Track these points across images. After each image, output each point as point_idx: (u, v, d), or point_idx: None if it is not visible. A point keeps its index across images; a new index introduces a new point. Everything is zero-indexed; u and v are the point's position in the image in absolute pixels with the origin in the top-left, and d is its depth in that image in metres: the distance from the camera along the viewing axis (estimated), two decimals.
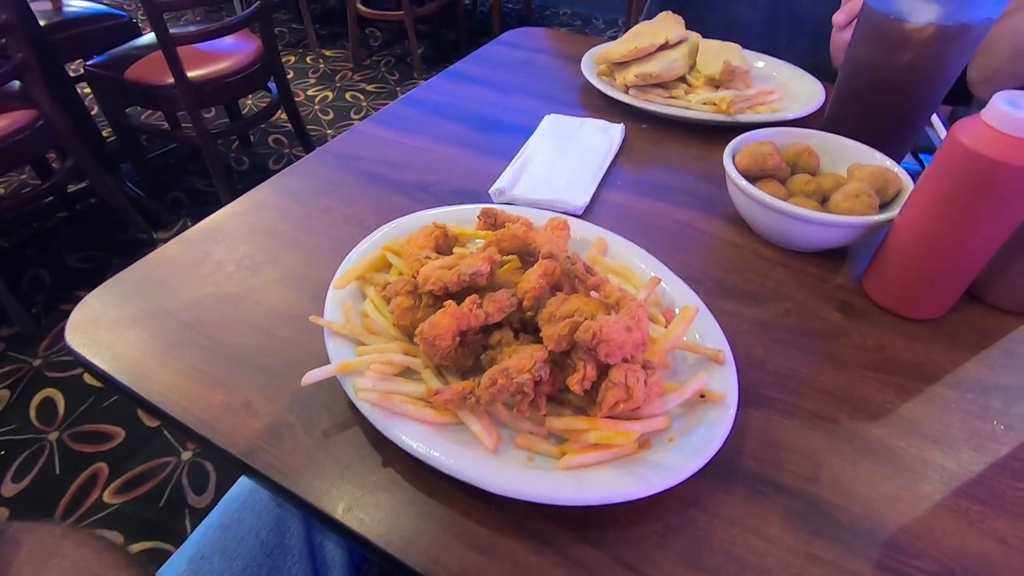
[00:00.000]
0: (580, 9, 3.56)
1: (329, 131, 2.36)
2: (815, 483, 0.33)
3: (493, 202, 0.54)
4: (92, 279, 1.55)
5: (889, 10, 0.48)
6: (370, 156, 0.61)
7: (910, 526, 0.31)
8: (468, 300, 0.35)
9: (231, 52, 1.65)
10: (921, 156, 0.61)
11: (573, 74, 0.74)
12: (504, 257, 0.41)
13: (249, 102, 2.51)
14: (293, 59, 2.92)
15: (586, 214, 0.53)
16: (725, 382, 0.35)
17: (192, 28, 1.46)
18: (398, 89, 2.67)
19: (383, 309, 0.39)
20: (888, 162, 0.49)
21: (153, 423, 1.18)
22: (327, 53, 2.98)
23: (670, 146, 0.63)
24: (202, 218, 0.51)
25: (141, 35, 1.74)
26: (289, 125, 2.05)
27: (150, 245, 1.66)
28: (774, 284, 0.46)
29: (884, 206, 0.47)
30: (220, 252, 0.48)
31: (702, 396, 0.34)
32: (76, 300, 0.42)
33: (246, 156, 2.18)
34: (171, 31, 1.39)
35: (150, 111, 2.29)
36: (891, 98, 0.52)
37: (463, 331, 0.35)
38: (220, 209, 0.52)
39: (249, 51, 1.67)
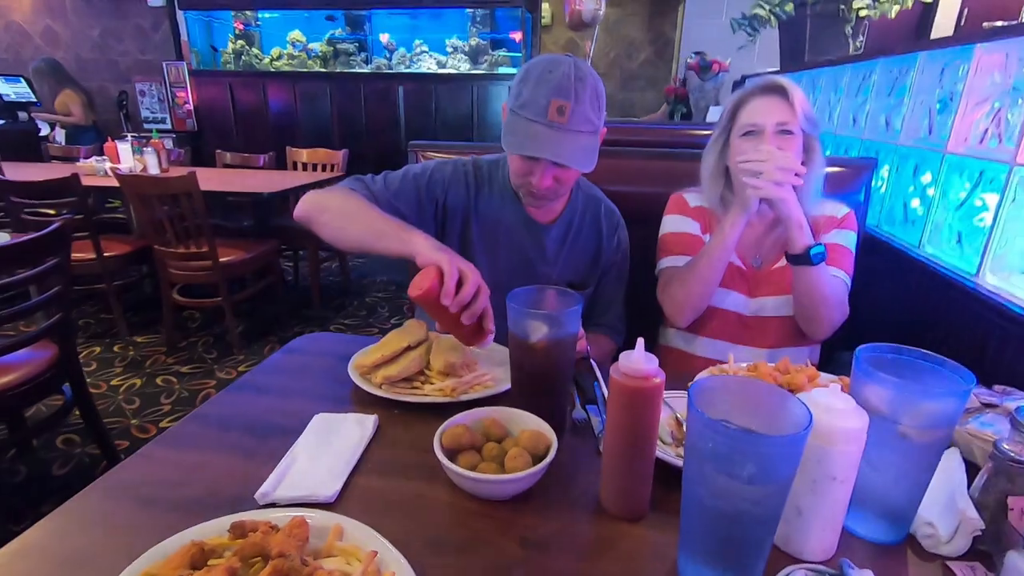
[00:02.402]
0: (395, 276, 4.13)
1: (133, 421, 2.26)
2: None
3: (259, 505, 0.65)
4: None
5: (520, 334, 0.77)
6: (147, 480, 0.70)
7: None
8: None
9: (19, 364, 1.63)
10: (588, 407, 0.88)
11: (344, 373, 0.94)
12: (251, 561, 0.53)
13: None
14: (98, 350, 2.86)
15: (338, 501, 0.67)
16: None
17: None
18: (216, 367, 2.72)
19: None
20: (543, 426, 0.73)
21: None
22: (138, 339, 2.97)
23: (415, 427, 0.83)
24: None
25: None
26: (83, 421, 1.95)
27: None
28: (475, 532, 0.63)
29: (541, 458, 0.69)
30: None
31: None
32: None
33: (22, 465, 1.96)
34: None
35: None
36: (536, 381, 0.79)
37: None
38: None
39: (42, 360, 1.67)
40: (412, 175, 1.16)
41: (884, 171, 1.51)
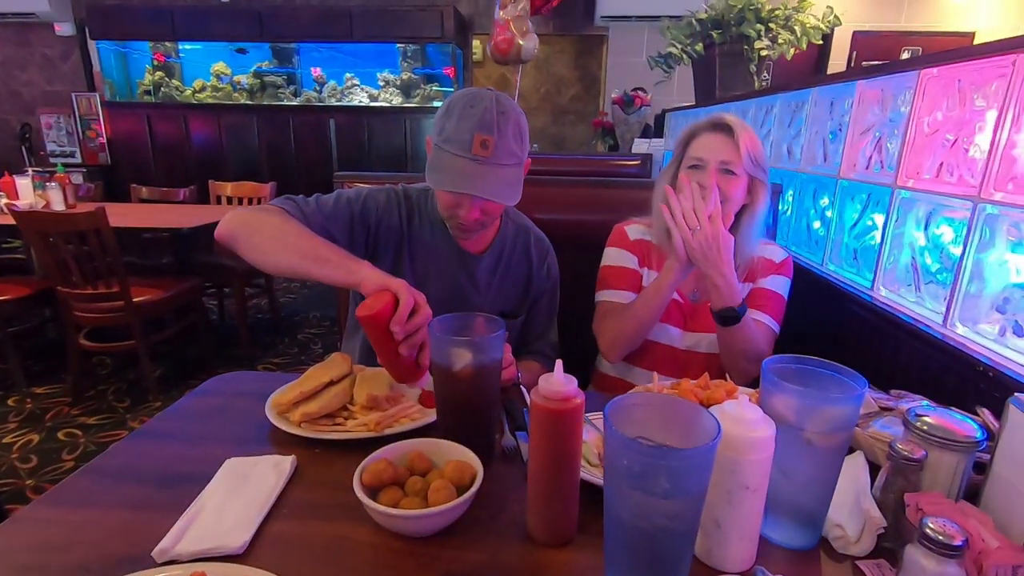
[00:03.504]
0: (329, 311, 4.00)
1: (28, 481, 2.05)
2: None
3: (156, 564, 0.60)
4: None
5: (443, 362, 0.76)
6: (25, 546, 0.63)
7: None
8: None
9: None
10: (518, 433, 0.87)
11: (262, 414, 0.89)
12: None
13: None
14: None
15: (249, 551, 0.62)
16: None
17: None
18: (128, 416, 2.51)
19: None
20: (468, 456, 0.71)
21: None
22: (38, 391, 2.71)
23: (337, 465, 0.78)
24: None
25: None
26: None
27: None
28: (398, 572, 0.60)
29: (466, 489, 0.67)
30: None
31: None
32: None
33: None
34: None
35: None
36: (462, 409, 0.78)
37: None
38: None
39: None
40: (345, 199, 1.13)
41: (789, 196, 1.62)
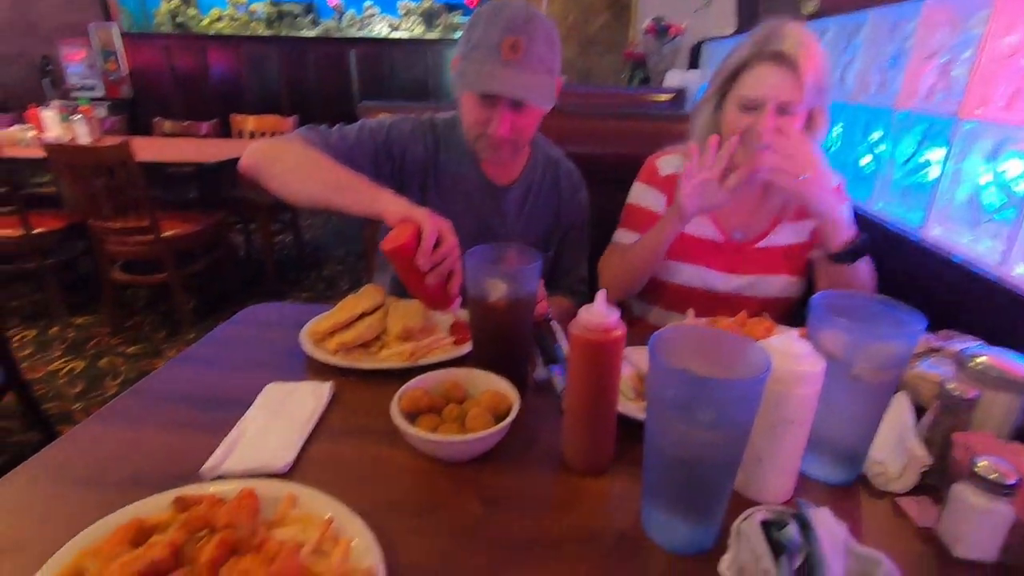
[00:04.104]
0: (354, 246, 4.02)
1: (76, 405, 2.15)
2: None
3: (205, 480, 0.62)
4: None
5: (478, 294, 0.74)
6: (80, 460, 0.65)
7: None
8: None
9: None
10: (550, 366, 0.87)
11: (297, 343, 0.90)
12: (197, 535, 0.50)
13: None
14: (33, 333, 2.69)
15: (293, 471, 0.64)
16: None
17: None
18: (165, 347, 2.60)
19: None
20: (504, 386, 0.72)
21: None
22: (78, 321, 2.81)
23: (371, 394, 0.79)
24: None
25: None
26: (19, 407, 1.84)
27: None
28: (436, 494, 0.62)
29: (503, 417, 0.67)
30: None
31: None
32: None
33: None
34: None
35: None
36: (497, 341, 0.77)
37: None
38: None
39: None
40: (369, 129, 1.09)
41: (836, 130, 1.53)
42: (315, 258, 3.85)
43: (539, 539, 0.57)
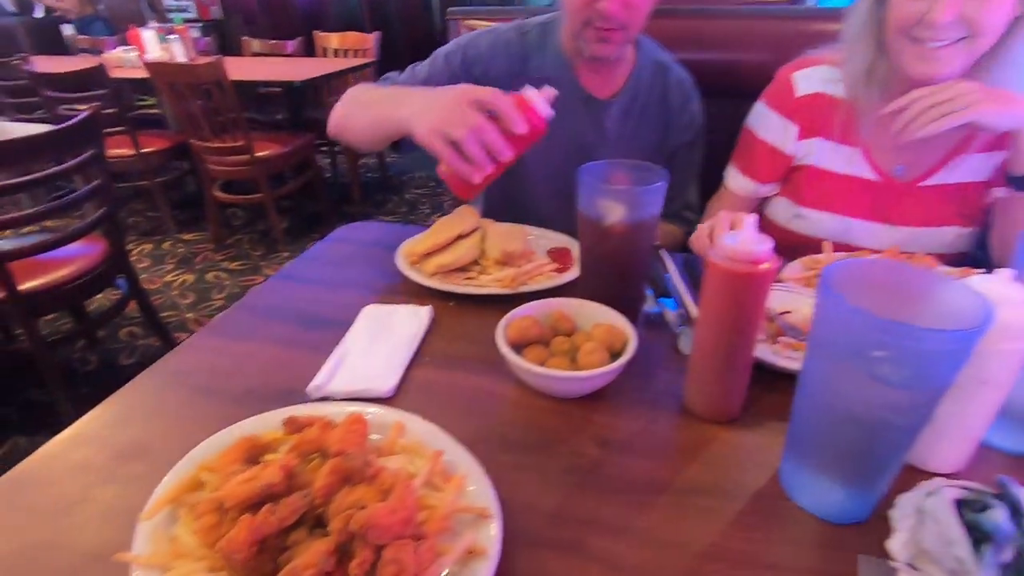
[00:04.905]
0: (433, 173, 3.99)
1: (189, 314, 2.33)
2: None
3: (311, 399, 0.61)
4: None
5: (592, 215, 0.66)
6: (200, 369, 0.67)
7: None
8: (264, 510, 0.41)
9: (72, 258, 1.64)
10: (661, 300, 0.79)
11: (392, 264, 0.87)
12: (308, 457, 0.48)
13: (98, 297, 2.42)
14: (149, 247, 2.91)
15: (396, 395, 0.62)
16: (490, 536, 0.43)
17: (29, 241, 1.46)
18: (262, 264, 2.74)
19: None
20: (619, 320, 0.65)
21: None
22: (186, 237, 3.01)
23: (471, 320, 0.76)
24: (38, 435, 0.53)
25: None
26: (142, 315, 2.00)
27: None
28: (546, 431, 0.57)
29: (618, 354, 0.61)
30: (29, 496, 0.49)
31: (471, 552, 0.42)
32: None
33: (94, 355, 2.07)
34: (2, 246, 1.38)
35: None
36: (612, 269, 0.69)
37: (260, 539, 0.40)
38: (34, 452, 0.54)
39: (94, 254, 1.68)
40: (443, 55, 1.01)
41: None
42: (398, 182, 3.86)
43: (663, 487, 0.51)
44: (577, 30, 0.93)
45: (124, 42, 3.45)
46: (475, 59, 1.01)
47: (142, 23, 3.96)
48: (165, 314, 2.28)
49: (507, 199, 1.08)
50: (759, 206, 1.02)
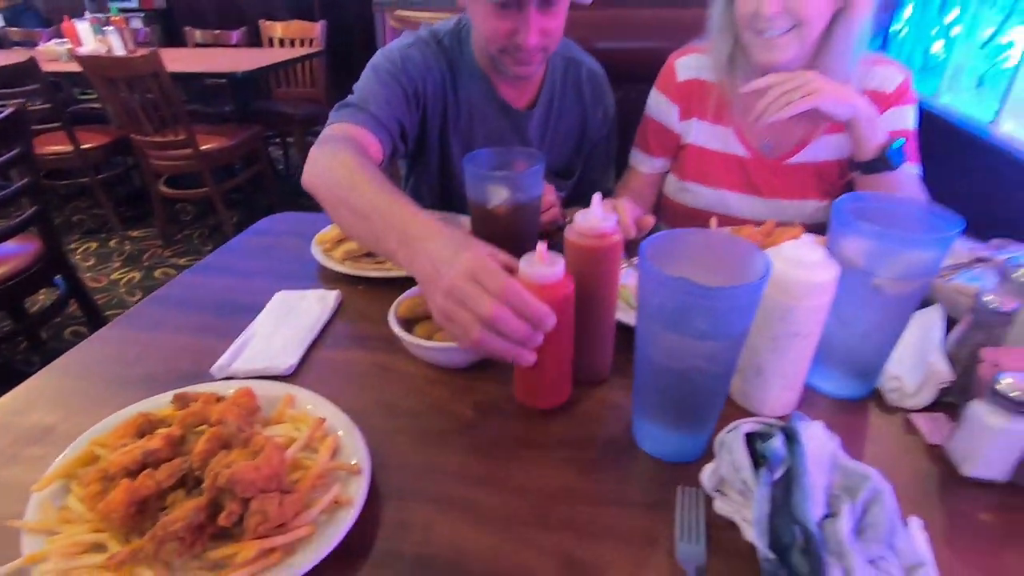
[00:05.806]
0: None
1: None
2: (428, 545, 0.47)
3: (215, 380, 0.65)
4: None
5: (479, 199, 0.71)
6: (106, 359, 0.70)
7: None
8: (143, 475, 0.45)
9: (5, 258, 1.62)
10: None
11: (309, 252, 0.90)
12: (195, 429, 0.52)
13: (41, 298, 2.38)
14: (95, 245, 2.85)
15: (297, 373, 0.67)
16: (359, 487, 0.48)
17: None
18: None
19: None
20: None
21: None
22: (132, 234, 2.96)
23: (376, 302, 0.79)
24: None
25: None
26: (84, 314, 1.99)
27: None
28: (430, 398, 0.63)
29: None
30: None
31: (337, 503, 0.47)
32: None
33: (37, 356, 2.04)
34: None
35: None
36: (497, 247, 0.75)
37: (140, 500, 0.44)
38: None
39: (27, 254, 1.66)
40: (386, 72, 0.92)
41: (906, 12, 1.33)
42: None
43: (527, 443, 0.57)
44: (494, 54, 0.90)
45: (59, 34, 3.34)
46: (417, 77, 0.94)
47: (80, 13, 3.83)
48: (113, 312, 2.26)
49: (444, 208, 1.05)
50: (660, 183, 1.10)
